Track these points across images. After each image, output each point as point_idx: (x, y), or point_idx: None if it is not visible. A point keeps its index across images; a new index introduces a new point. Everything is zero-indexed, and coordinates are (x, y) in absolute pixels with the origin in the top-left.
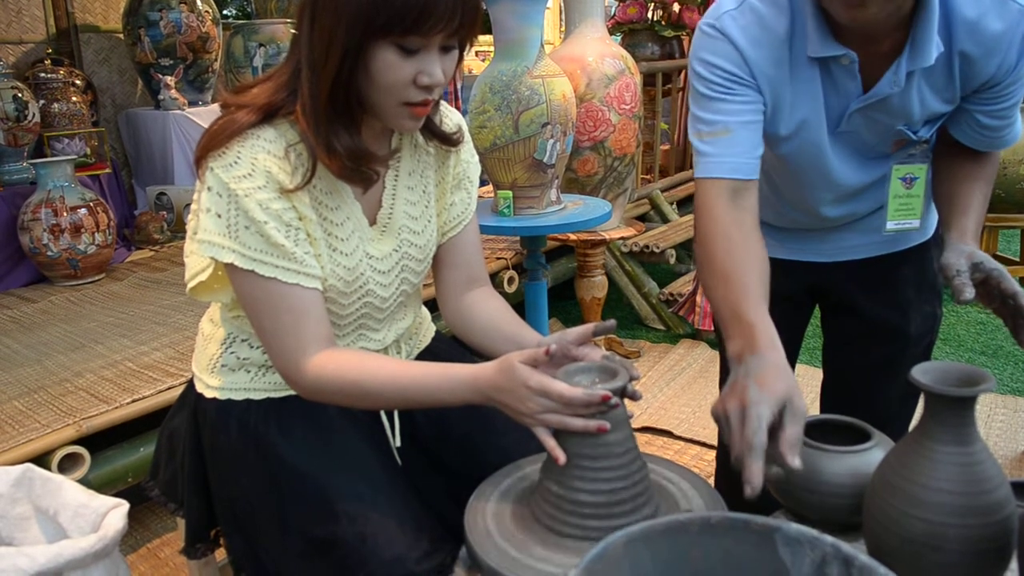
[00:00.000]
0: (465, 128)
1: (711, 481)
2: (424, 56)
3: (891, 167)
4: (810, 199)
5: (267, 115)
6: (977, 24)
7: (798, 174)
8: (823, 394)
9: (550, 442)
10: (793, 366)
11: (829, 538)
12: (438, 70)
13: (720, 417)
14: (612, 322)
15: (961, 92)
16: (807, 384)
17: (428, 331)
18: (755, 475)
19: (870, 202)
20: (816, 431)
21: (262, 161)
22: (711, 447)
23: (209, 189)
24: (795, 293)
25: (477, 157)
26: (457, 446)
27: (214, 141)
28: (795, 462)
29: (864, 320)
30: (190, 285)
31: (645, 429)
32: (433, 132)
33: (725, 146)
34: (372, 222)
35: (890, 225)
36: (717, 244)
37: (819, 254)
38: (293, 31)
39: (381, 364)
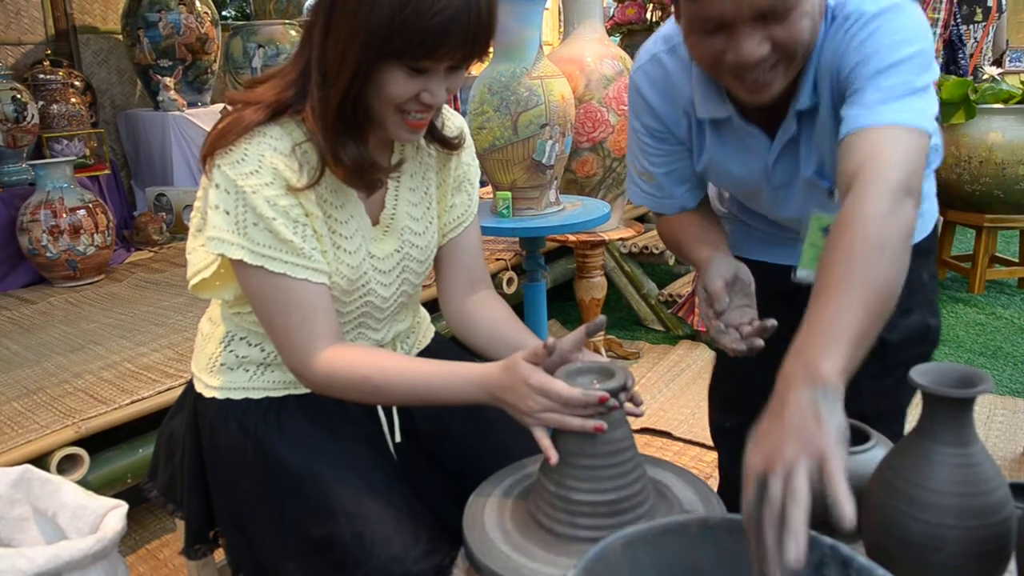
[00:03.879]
0: (467, 131)
1: (710, 482)
2: (431, 76)
3: (811, 213)
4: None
5: (275, 113)
6: (839, 66)
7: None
8: None
9: (545, 441)
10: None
11: (827, 539)
12: (442, 91)
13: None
14: (602, 319)
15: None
16: None
17: (427, 332)
18: (725, 343)
19: None
20: None
21: (269, 158)
22: (710, 448)
23: (217, 186)
24: (780, 293)
25: (477, 160)
26: (456, 445)
27: (221, 139)
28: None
29: None
30: (192, 282)
31: (644, 430)
32: (434, 136)
33: (652, 188)
34: (375, 222)
35: (800, 274)
36: (673, 234)
37: (794, 257)
38: (304, 24)
39: (391, 361)
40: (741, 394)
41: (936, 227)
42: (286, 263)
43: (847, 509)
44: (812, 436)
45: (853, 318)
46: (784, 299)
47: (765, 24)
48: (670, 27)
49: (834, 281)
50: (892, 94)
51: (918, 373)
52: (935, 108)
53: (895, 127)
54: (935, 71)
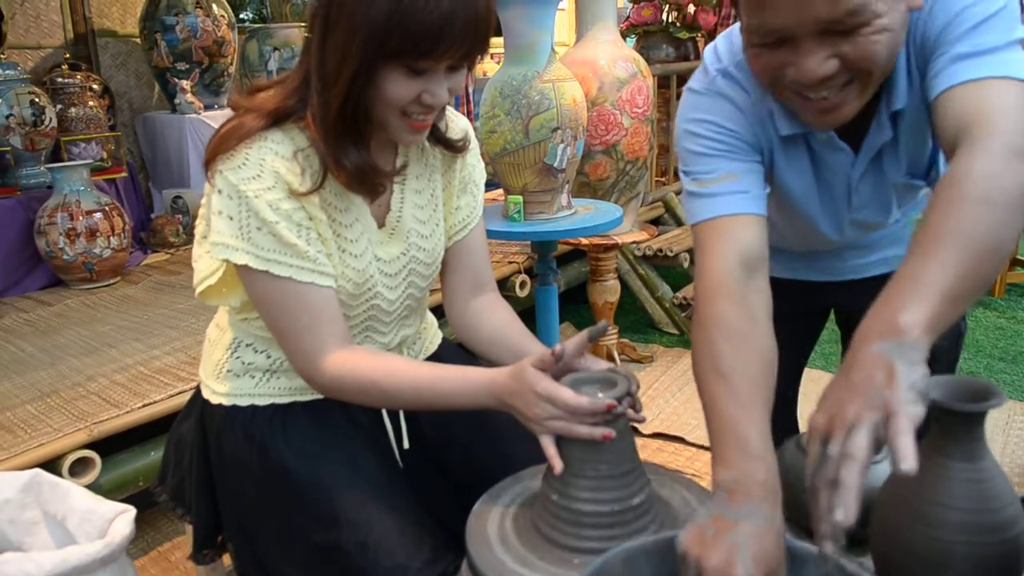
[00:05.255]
0: (471, 133)
1: None
2: (431, 76)
3: (908, 219)
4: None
5: (276, 120)
6: (924, 36)
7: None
8: None
9: (551, 449)
10: (801, 372)
11: (833, 556)
12: (443, 91)
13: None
14: (604, 323)
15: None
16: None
17: (435, 337)
18: None
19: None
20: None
21: (270, 162)
22: None
23: (219, 192)
24: (810, 311)
25: (483, 162)
26: (461, 454)
27: (222, 145)
28: None
29: None
30: (199, 289)
31: (657, 435)
32: (438, 139)
33: (734, 187)
34: (381, 225)
35: None
36: (719, 333)
37: (834, 273)
38: (307, 35)
39: (399, 365)
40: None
41: None
42: (291, 267)
43: (907, 462)
44: (878, 391)
45: (942, 271)
46: (821, 317)
47: (832, 39)
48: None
49: (928, 236)
50: (990, 47)
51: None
52: None
53: (1000, 80)
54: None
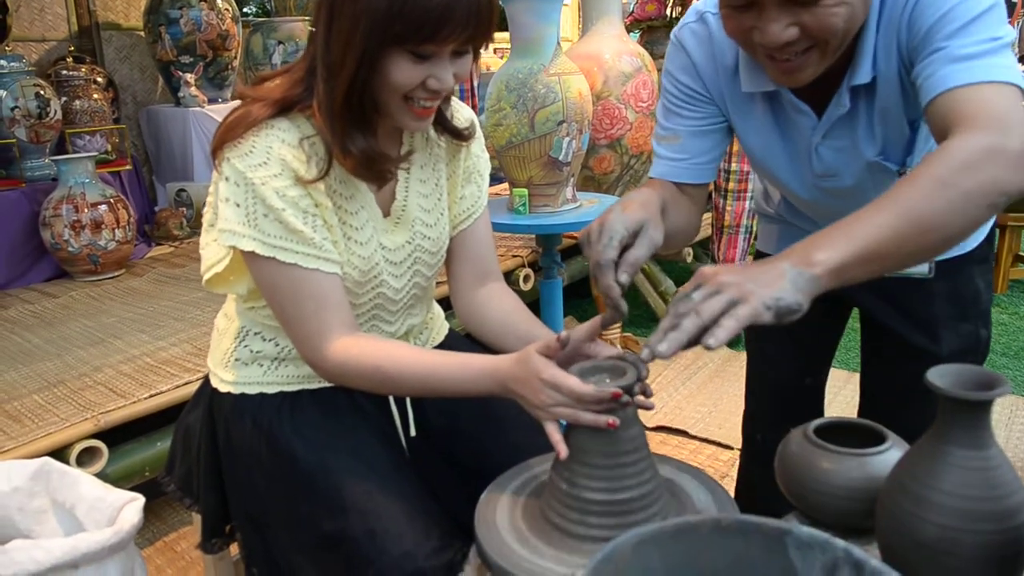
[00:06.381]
0: (476, 122)
1: (725, 482)
2: (436, 61)
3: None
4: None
5: (282, 109)
6: (908, 30)
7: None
8: (860, 416)
9: (556, 436)
10: (827, 371)
11: (840, 542)
12: (449, 75)
13: (584, 235)
14: (613, 313)
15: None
16: (843, 387)
17: (441, 328)
18: (609, 288)
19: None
20: (831, 433)
21: (277, 150)
22: (726, 447)
23: (226, 179)
24: (826, 299)
25: (487, 152)
26: (467, 443)
27: (229, 133)
28: (621, 277)
29: (893, 337)
30: (206, 277)
31: (660, 428)
32: (445, 127)
33: (675, 151)
34: (386, 214)
35: None
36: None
37: None
38: (311, 28)
39: (404, 351)
40: (769, 411)
41: (993, 233)
42: (297, 253)
43: (714, 341)
44: (755, 282)
45: (870, 232)
46: (843, 308)
47: (793, 8)
48: None
49: (883, 197)
50: (980, 50)
51: (935, 375)
52: (1018, 65)
53: (991, 84)
54: (1011, 30)
